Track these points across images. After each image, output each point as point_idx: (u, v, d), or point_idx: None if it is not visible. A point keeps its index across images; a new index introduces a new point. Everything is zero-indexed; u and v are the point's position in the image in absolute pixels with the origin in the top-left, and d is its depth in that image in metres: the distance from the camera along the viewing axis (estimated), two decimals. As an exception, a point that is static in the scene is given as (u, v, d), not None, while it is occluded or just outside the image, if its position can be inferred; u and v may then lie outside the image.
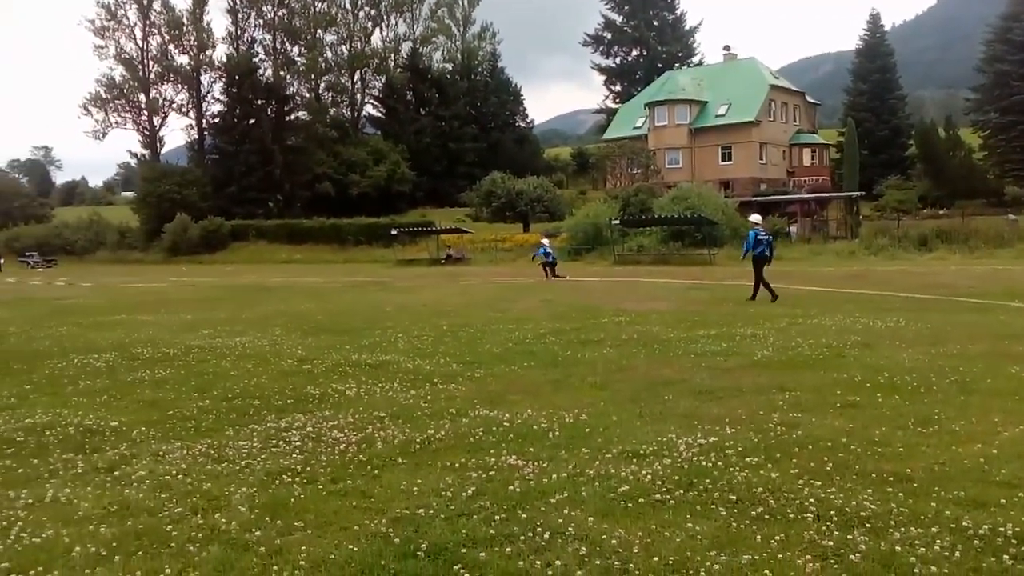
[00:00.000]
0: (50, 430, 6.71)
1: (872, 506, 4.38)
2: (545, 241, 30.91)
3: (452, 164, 78.09)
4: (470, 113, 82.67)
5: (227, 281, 31.99)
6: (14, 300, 23.82)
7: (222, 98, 70.21)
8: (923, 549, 3.84)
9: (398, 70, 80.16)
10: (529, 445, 5.84)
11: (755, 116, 58.98)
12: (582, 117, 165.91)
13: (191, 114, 75.11)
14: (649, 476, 5.00)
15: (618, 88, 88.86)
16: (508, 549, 3.96)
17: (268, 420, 6.89)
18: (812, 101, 69.96)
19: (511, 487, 4.88)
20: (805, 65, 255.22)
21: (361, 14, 79.92)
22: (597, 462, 5.35)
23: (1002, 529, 4.04)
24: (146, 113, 74.33)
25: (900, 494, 4.58)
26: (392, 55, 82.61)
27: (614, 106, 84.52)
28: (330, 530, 4.31)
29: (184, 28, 73.65)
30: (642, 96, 69.55)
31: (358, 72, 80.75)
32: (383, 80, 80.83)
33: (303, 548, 4.04)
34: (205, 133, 73.76)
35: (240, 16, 74.69)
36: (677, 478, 4.95)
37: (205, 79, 74.92)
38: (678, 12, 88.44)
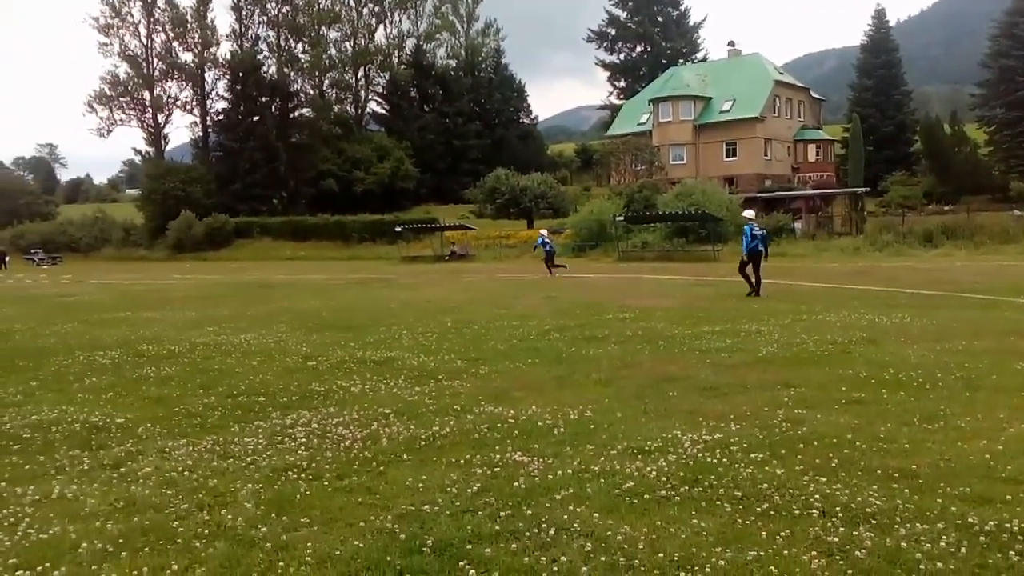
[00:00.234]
0: (56, 427, 6.73)
1: (877, 502, 4.38)
2: (544, 232, 30.86)
3: (456, 161, 78.06)
4: (474, 110, 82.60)
5: (232, 278, 32.04)
6: (20, 297, 23.89)
7: (226, 95, 70.18)
8: (929, 545, 3.84)
9: (402, 67, 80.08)
10: (534, 442, 5.85)
11: (760, 112, 58.86)
12: (586, 113, 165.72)
13: (195, 111, 75.14)
14: (654, 472, 5.01)
15: (622, 84, 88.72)
16: (513, 545, 3.97)
17: (273, 417, 6.91)
18: (817, 97, 69.80)
19: (516, 483, 4.89)
20: (810, 61, 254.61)
21: (365, 11, 79.81)
22: (602, 458, 5.36)
23: (1008, 525, 4.04)
24: (150, 110, 74.33)
25: (906, 490, 4.58)
26: (396, 52, 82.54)
27: (618, 102, 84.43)
28: (336, 526, 4.33)
29: (188, 25, 73.60)
30: (646, 92, 69.44)
31: (362, 69, 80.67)
32: (387, 77, 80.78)
33: (309, 544, 4.06)
34: (209, 130, 73.71)
35: (244, 13, 74.69)
36: (682, 474, 4.96)
37: (209, 76, 74.93)
38: (682, 8, 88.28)
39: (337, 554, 3.94)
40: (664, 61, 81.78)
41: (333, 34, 78.90)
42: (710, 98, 62.33)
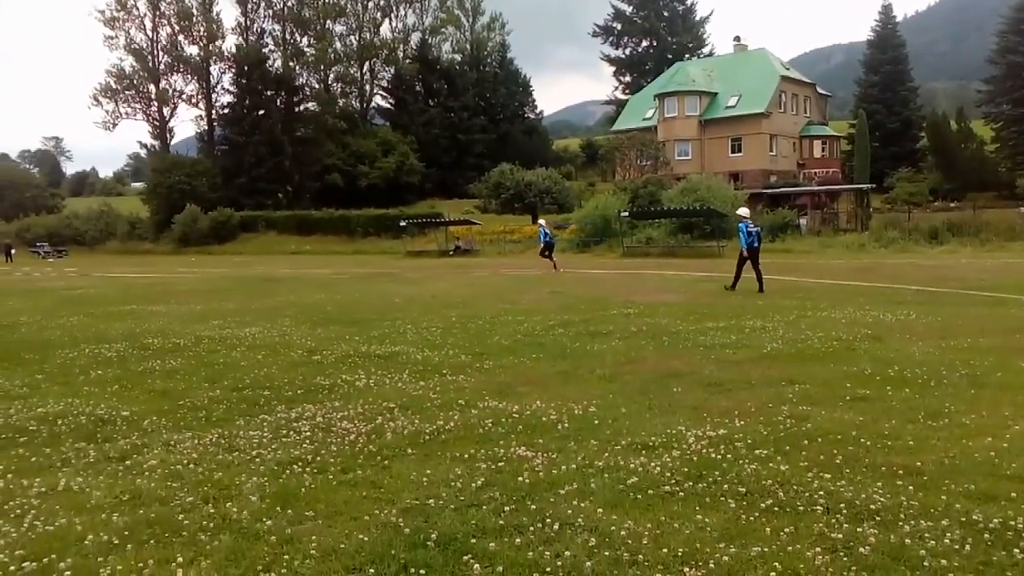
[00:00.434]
0: (62, 419, 6.76)
1: (882, 499, 4.38)
2: (542, 222, 30.61)
3: (461, 155, 78.03)
4: (479, 104, 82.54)
5: (237, 272, 32.09)
6: (25, 290, 23.95)
7: (232, 89, 70.31)
8: (933, 542, 3.84)
9: (407, 61, 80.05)
10: (538, 436, 5.86)
11: (765, 108, 58.68)
12: (591, 108, 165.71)
13: (201, 105, 75.23)
14: (658, 468, 5.01)
15: (628, 79, 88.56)
16: (518, 540, 3.98)
17: (278, 410, 6.92)
18: (823, 93, 69.55)
19: (520, 478, 4.90)
20: (816, 56, 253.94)
21: (370, 4, 79.75)
22: (606, 454, 5.36)
23: (1013, 523, 4.04)
24: (156, 104, 74.42)
25: (910, 487, 4.58)
26: (401, 46, 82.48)
27: (624, 97, 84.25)
28: (340, 520, 4.34)
29: (194, 18, 73.65)
30: (652, 87, 69.27)
31: (367, 63, 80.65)
32: (392, 71, 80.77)
33: (314, 537, 4.07)
34: (215, 124, 73.82)
35: (249, 7, 74.65)
36: (686, 470, 4.96)
37: (215, 70, 75.01)
38: (688, 3, 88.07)
39: (342, 547, 3.96)
40: (670, 56, 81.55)
41: (338, 28, 78.97)
42: (716, 93, 62.15)
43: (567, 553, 3.81)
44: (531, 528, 4.12)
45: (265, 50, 72.45)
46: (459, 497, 4.61)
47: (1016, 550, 3.75)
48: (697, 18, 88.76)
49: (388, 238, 52.72)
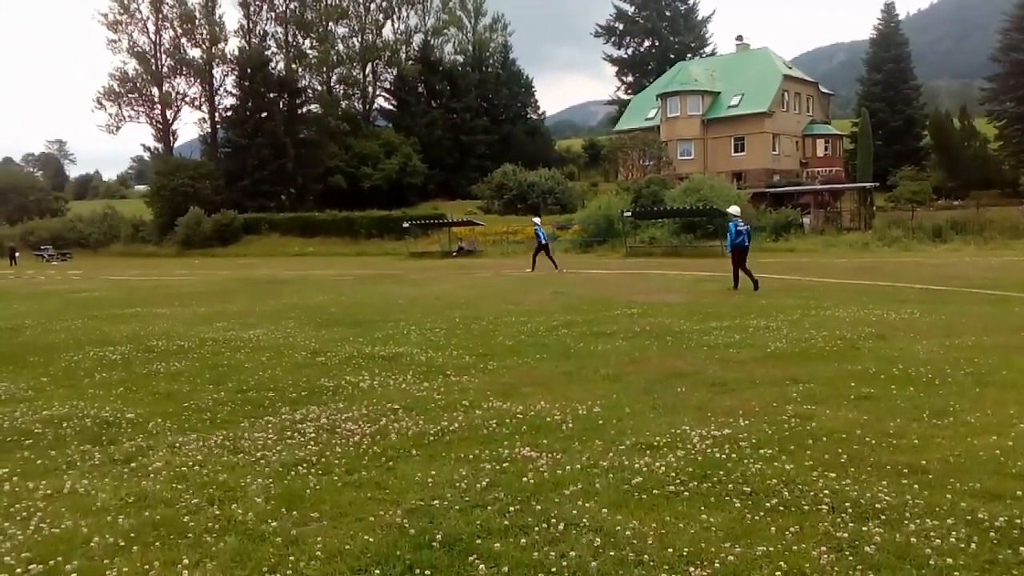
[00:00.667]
0: (67, 422, 6.77)
1: (887, 498, 4.38)
2: (536, 220, 30.30)
3: (463, 156, 78.02)
4: (481, 105, 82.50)
5: (240, 274, 32.12)
6: (30, 293, 24.00)
7: (234, 91, 70.35)
8: (938, 541, 3.84)
9: (409, 62, 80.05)
10: (542, 437, 5.86)
11: (768, 107, 58.62)
12: (594, 108, 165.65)
13: (204, 107, 75.34)
14: (663, 468, 5.01)
15: (630, 79, 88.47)
16: (523, 540, 3.98)
17: (283, 412, 6.94)
18: (825, 91, 69.49)
19: (525, 478, 4.90)
20: (818, 55, 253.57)
21: (372, 6, 79.82)
22: (611, 454, 5.37)
23: (1018, 521, 4.03)
24: (159, 107, 74.52)
25: (915, 486, 4.57)
26: (403, 47, 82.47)
27: (626, 97, 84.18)
28: (345, 521, 4.35)
29: (196, 21, 73.73)
30: (654, 87, 69.23)
31: (369, 65, 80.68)
32: (394, 72, 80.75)
33: (319, 539, 4.08)
34: (218, 126, 73.87)
35: (252, 9, 74.74)
36: (691, 470, 4.96)
37: (217, 72, 75.07)
38: (690, 2, 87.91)
39: (347, 548, 3.96)
40: (672, 56, 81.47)
41: (341, 30, 79.00)
42: (718, 93, 62.11)
43: (572, 553, 3.81)
44: (536, 528, 4.13)
45: (268, 52, 72.53)
46: (464, 498, 4.62)
47: (1022, 548, 3.75)
48: (699, 18, 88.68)
49: (391, 239, 52.76)
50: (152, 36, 74.09)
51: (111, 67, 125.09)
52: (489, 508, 4.44)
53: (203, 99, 75.16)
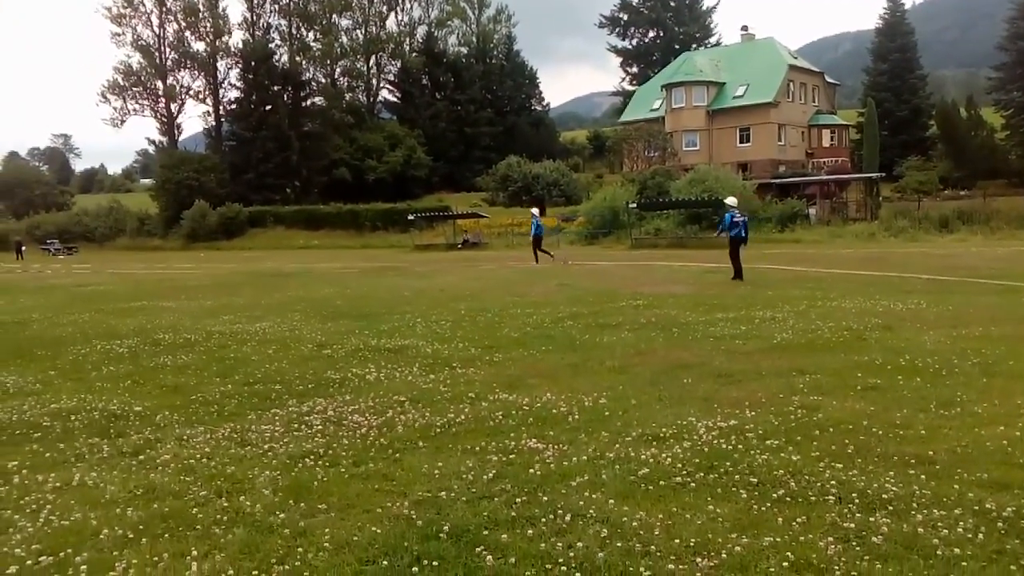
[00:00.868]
0: (75, 415, 6.81)
1: (894, 488, 4.38)
2: (535, 211, 29.99)
3: (468, 148, 77.98)
4: (486, 97, 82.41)
5: (246, 267, 32.18)
6: (37, 287, 24.07)
7: (239, 84, 70.32)
8: (946, 531, 3.84)
9: (413, 54, 79.90)
10: (549, 428, 5.87)
11: (773, 97, 58.41)
12: (598, 100, 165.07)
13: (208, 101, 75.31)
14: (669, 459, 5.02)
15: (635, 70, 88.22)
16: (530, 531, 3.99)
17: (290, 404, 6.95)
18: (831, 81, 69.19)
19: (531, 470, 4.91)
20: (824, 45, 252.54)
21: (376, -2, 79.70)
22: (617, 445, 5.37)
23: (1026, 511, 4.02)
24: (163, 100, 74.55)
25: (922, 476, 4.57)
26: (407, 39, 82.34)
27: (631, 88, 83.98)
28: (353, 512, 4.36)
29: (200, 14, 73.68)
30: (659, 78, 69.04)
31: (373, 57, 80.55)
32: (398, 65, 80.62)
33: (327, 530, 4.09)
34: (222, 120, 73.87)
35: (256, 2, 74.59)
36: (697, 461, 4.96)
37: (222, 65, 75.06)
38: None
39: (355, 540, 3.98)
40: (677, 46, 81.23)
41: (344, 22, 78.91)
42: (723, 83, 61.90)
43: (579, 544, 3.82)
44: (543, 520, 4.13)
45: (271, 45, 72.53)
46: (471, 489, 4.63)
47: (1030, 538, 3.74)
48: (704, 8, 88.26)
49: (396, 232, 52.77)
50: (156, 29, 74.15)
51: (115, 61, 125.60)
52: (496, 499, 4.45)
53: (207, 92, 75.21)
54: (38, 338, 11.92)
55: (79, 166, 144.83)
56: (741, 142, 59.99)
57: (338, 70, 79.17)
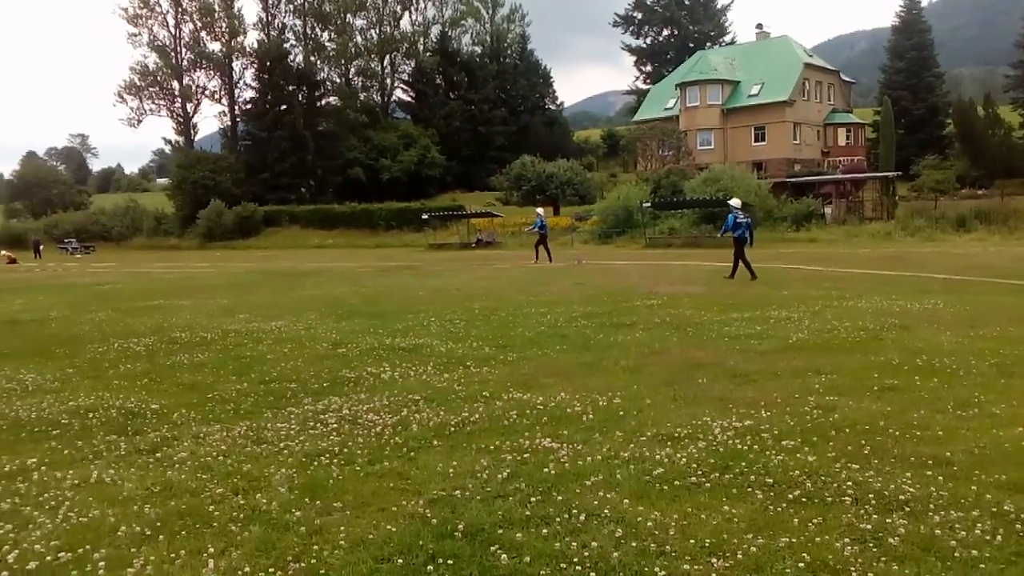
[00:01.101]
0: (93, 412, 6.87)
1: (911, 489, 4.35)
2: (540, 211, 29.87)
3: (482, 148, 77.98)
4: (499, 96, 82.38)
5: (261, 266, 32.33)
6: (55, 286, 24.29)
7: (254, 84, 70.55)
8: (964, 533, 3.81)
9: (427, 54, 79.98)
10: (563, 428, 5.87)
11: (789, 96, 58.08)
12: (612, 99, 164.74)
13: (224, 100, 75.69)
14: (684, 459, 5.01)
15: (649, 69, 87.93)
16: (544, 530, 4.00)
17: (305, 403, 6.99)
18: (847, 80, 68.73)
19: (546, 469, 4.91)
20: (839, 43, 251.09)
21: (390, -2, 79.84)
22: (631, 445, 5.36)
23: (1045, 513, 3.99)
24: (179, 100, 74.98)
25: (940, 478, 4.54)
26: (421, 39, 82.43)
27: (645, 87, 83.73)
28: (368, 511, 4.38)
29: (215, 15, 74.03)
30: (673, 76, 68.79)
31: (388, 56, 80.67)
32: (413, 64, 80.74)
33: (342, 528, 4.11)
34: (238, 119, 74.21)
35: (270, 2, 74.95)
36: (712, 461, 4.95)
37: (237, 65, 75.40)
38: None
39: (370, 538, 3.99)
40: (691, 45, 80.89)
41: (359, 22, 79.03)
42: (738, 82, 61.59)
43: (594, 544, 3.82)
44: (557, 519, 4.14)
45: (286, 45, 72.73)
46: (485, 488, 4.64)
47: (1049, 541, 3.71)
48: (718, 6, 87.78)
49: (410, 231, 52.82)
50: (172, 30, 74.56)
51: (132, 61, 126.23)
52: (510, 499, 4.45)
53: (223, 92, 75.61)
54: (56, 336, 12.03)
55: (96, 166, 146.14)
56: (756, 141, 59.69)
57: (352, 70, 79.38)
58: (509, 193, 60.31)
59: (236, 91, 75.08)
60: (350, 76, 79.26)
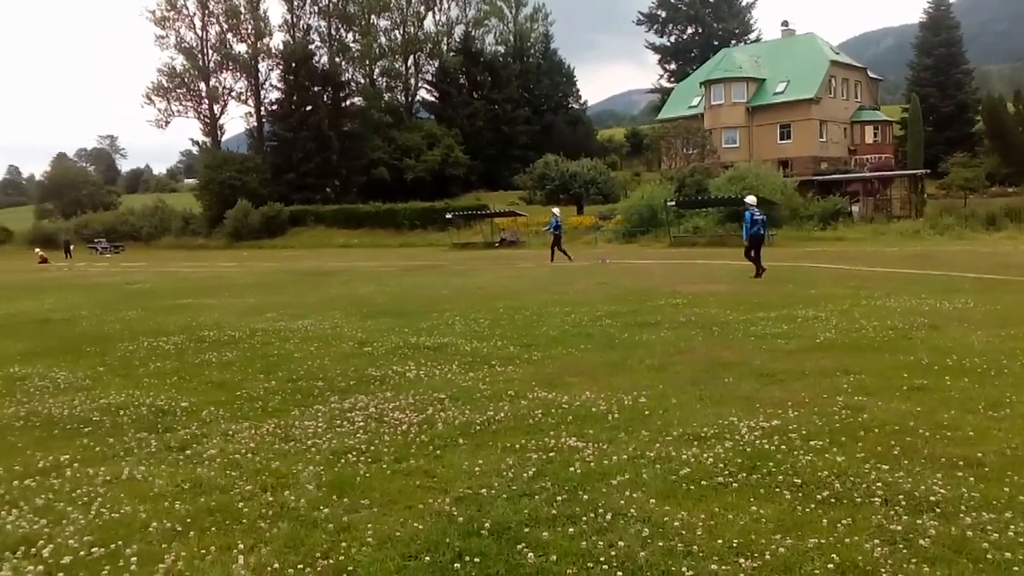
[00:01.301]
0: (124, 410, 6.96)
1: (942, 491, 4.30)
2: (556, 211, 29.84)
3: (505, 147, 78.03)
4: (523, 96, 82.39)
5: (287, 265, 32.59)
6: (85, 285, 24.63)
7: (279, 85, 71.19)
8: (996, 535, 3.76)
9: (451, 54, 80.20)
10: (588, 427, 5.86)
11: (815, 93, 57.60)
12: (636, 97, 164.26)
13: (250, 102, 76.45)
14: (711, 459, 4.98)
15: (673, 67, 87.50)
16: (571, 529, 4.00)
17: (332, 401, 7.04)
18: (874, 77, 68.02)
19: (571, 468, 4.91)
20: (866, 40, 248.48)
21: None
22: (657, 444, 5.35)
23: (1080, 515, 3.93)
24: (206, 101, 75.78)
25: (971, 479, 4.49)
26: (445, 39, 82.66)
27: (669, 85, 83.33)
28: (395, 508, 4.40)
29: (242, 16, 74.76)
30: (698, 74, 68.44)
31: (411, 57, 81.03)
32: (436, 64, 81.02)
33: (369, 525, 4.14)
34: (264, 120, 74.89)
35: (296, 3, 75.49)
36: (739, 461, 4.92)
37: (263, 67, 76.13)
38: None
39: (397, 535, 4.02)
40: (716, 43, 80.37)
41: (383, 23, 79.45)
42: (763, 80, 61.16)
43: (620, 543, 3.81)
44: (583, 518, 4.13)
45: (311, 46, 73.27)
46: (511, 487, 4.64)
47: (1084, 543, 3.65)
48: (743, 4, 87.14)
49: (434, 230, 53.01)
50: (199, 32, 75.39)
51: (159, 63, 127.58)
52: (536, 497, 4.46)
53: (249, 93, 76.35)
54: (87, 335, 12.20)
55: (125, 166, 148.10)
56: (782, 139, 59.23)
57: (377, 70, 79.77)
58: (532, 192, 60.31)
59: (262, 92, 75.90)
60: (374, 77, 79.69)
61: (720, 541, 3.80)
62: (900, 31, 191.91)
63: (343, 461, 5.27)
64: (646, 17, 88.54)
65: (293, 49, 69.50)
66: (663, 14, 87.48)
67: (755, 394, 6.69)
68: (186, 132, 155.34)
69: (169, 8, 73.84)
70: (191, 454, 5.61)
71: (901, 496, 4.26)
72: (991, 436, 5.29)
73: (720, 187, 40.60)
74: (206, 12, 74.67)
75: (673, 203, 38.70)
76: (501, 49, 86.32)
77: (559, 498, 4.43)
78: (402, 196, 63.62)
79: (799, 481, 4.54)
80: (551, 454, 5.24)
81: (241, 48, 75.88)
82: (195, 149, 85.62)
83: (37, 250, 51.06)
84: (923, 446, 5.10)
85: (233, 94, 76.58)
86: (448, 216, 48.68)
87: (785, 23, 69.13)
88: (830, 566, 3.52)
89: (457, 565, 3.67)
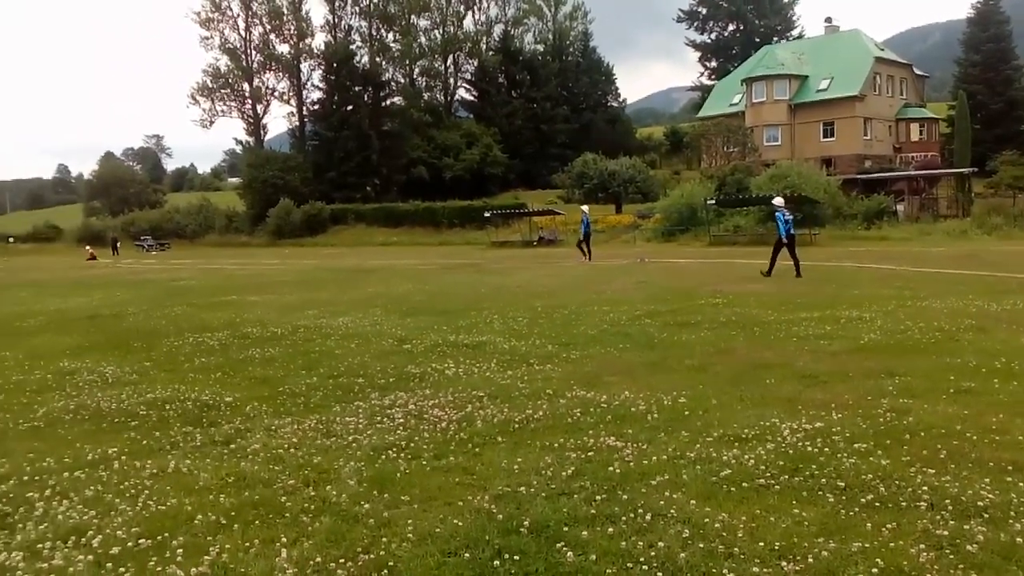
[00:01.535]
0: (170, 404, 7.10)
1: (990, 496, 4.21)
2: (585, 209, 29.86)
3: (544, 146, 77.93)
4: (561, 94, 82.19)
5: (328, 263, 32.93)
6: (132, 282, 25.15)
7: (321, 85, 71.91)
8: (1047, 542, 3.67)
9: (490, 53, 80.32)
10: (627, 427, 5.84)
11: (859, 90, 56.63)
12: (676, 95, 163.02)
13: (292, 101, 77.34)
14: (752, 460, 4.94)
15: (713, 64, 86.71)
16: (610, 529, 3.99)
17: (372, 397, 7.10)
18: (920, 73, 66.70)
19: (610, 468, 4.90)
20: (912, 36, 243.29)
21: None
22: (697, 445, 5.31)
23: None
24: (250, 101, 76.80)
25: (1020, 484, 4.39)
26: (484, 38, 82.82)
27: (709, 83, 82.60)
28: (435, 505, 4.43)
29: (284, 17, 75.67)
30: (739, 72, 67.71)
31: (451, 56, 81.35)
32: (475, 64, 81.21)
33: (410, 521, 4.17)
34: (306, 120, 75.78)
35: (337, 4, 76.19)
36: (781, 463, 4.87)
37: (305, 67, 76.94)
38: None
39: (437, 532, 4.05)
40: (757, 40, 79.49)
41: (423, 22, 79.85)
42: (806, 76, 60.29)
43: (660, 544, 3.79)
44: (623, 518, 4.12)
45: (352, 46, 73.84)
46: (550, 485, 4.65)
47: None
48: (785, 0, 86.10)
49: (473, 229, 53.13)
50: (242, 33, 76.45)
51: (204, 64, 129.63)
52: (575, 496, 4.45)
53: (291, 93, 77.22)
54: (134, 330, 12.47)
55: (170, 165, 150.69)
56: (825, 137, 58.35)
57: (416, 70, 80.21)
58: (571, 191, 60.12)
59: (304, 92, 76.75)
60: (414, 76, 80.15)
61: (762, 544, 3.77)
62: (947, 27, 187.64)
63: (383, 457, 5.32)
64: (686, 14, 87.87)
65: (335, 49, 70.16)
66: (704, 11, 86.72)
67: (797, 396, 6.61)
68: (230, 132, 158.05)
69: (213, 9, 75.05)
70: (235, 448, 5.70)
71: (948, 501, 4.18)
72: (1042, 441, 5.16)
73: (761, 185, 40.08)
74: (249, 13, 75.74)
75: (713, 202, 38.31)
76: (540, 48, 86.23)
77: (598, 497, 4.42)
78: (441, 195, 63.89)
79: (842, 484, 4.48)
80: (590, 453, 5.23)
81: (284, 48, 76.91)
82: (238, 148, 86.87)
83: (87, 247, 52.27)
84: (970, 450, 5.00)
85: (276, 94, 77.64)
86: (486, 215, 48.75)
87: (828, 19, 68.11)
88: (874, 571, 3.47)
89: (496, 563, 3.69)
